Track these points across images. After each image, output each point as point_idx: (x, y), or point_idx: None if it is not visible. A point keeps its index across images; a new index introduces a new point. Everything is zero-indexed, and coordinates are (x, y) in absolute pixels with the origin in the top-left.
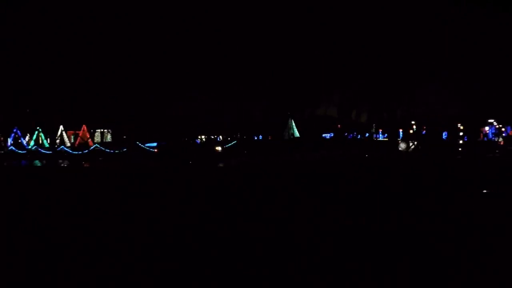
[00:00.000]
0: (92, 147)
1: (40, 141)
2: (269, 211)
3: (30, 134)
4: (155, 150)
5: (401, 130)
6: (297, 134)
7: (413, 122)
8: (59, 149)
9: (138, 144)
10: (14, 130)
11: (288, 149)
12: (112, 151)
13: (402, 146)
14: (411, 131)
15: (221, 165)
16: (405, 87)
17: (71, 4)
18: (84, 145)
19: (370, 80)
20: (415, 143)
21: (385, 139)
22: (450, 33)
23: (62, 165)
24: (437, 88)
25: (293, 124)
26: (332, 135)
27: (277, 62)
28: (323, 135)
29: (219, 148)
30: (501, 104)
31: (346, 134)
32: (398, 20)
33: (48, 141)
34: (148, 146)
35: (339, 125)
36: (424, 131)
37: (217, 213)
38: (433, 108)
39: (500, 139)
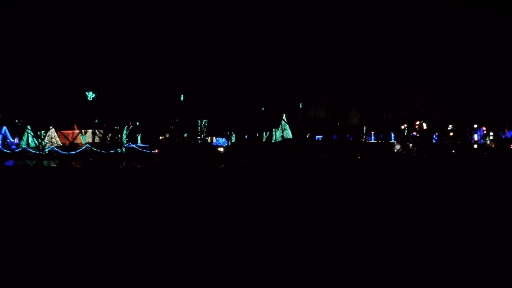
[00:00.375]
0: (83, 148)
1: (28, 141)
2: (268, 211)
3: (19, 134)
4: (156, 151)
5: (392, 133)
6: (289, 135)
7: (405, 125)
8: (48, 149)
9: (130, 145)
10: (3, 131)
11: (281, 150)
12: (104, 151)
13: (397, 147)
14: (404, 133)
15: (222, 166)
16: (395, 89)
17: (70, 4)
18: (75, 145)
19: (360, 82)
20: (410, 144)
21: (375, 141)
22: (443, 34)
23: (53, 165)
24: (429, 89)
25: (286, 125)
26: (321, 137)
27: (271, 62)
28: (317, 137)
29: (221, 149)
30: (491, 107)
31: (336, 136)
32: (388, 21)
33: (38, 141)
34: (140, 146)
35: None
36: (415, 133)
37: (217, 213)
38: (423, 110)
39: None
